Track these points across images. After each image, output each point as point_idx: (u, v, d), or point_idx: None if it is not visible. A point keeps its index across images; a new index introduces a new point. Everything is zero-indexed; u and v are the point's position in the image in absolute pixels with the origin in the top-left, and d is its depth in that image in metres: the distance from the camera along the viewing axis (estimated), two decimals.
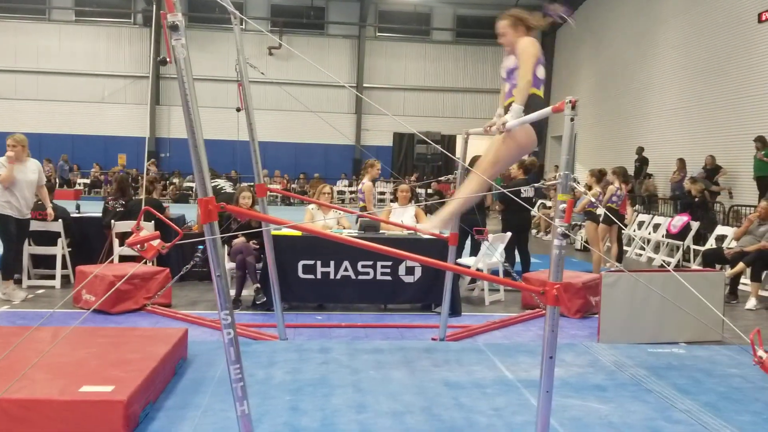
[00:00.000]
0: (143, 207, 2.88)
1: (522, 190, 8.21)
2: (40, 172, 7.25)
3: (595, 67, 21.70)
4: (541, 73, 4.17)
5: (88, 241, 8.21)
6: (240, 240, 7.07)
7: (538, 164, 9.71)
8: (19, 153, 6.91)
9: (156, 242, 2.72)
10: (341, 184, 25.33)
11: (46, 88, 25.32)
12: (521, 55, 4.07)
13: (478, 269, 7.25)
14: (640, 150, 16.79)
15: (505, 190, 4.86)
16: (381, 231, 7.11)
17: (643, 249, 11.89)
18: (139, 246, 2.73)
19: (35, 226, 7.63)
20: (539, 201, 16.92)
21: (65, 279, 7.81)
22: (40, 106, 25.19)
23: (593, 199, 8.47)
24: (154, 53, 24.88)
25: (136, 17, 25.74)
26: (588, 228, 9.03)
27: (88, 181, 24.49)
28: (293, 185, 24.54)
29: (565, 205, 3.11)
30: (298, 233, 6.49)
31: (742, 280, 8.21)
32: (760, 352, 2.40)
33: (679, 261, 10.62)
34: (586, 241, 9.55)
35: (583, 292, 6.83)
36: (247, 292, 7.13)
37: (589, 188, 9.20)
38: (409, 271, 6.74)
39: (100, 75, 25.63)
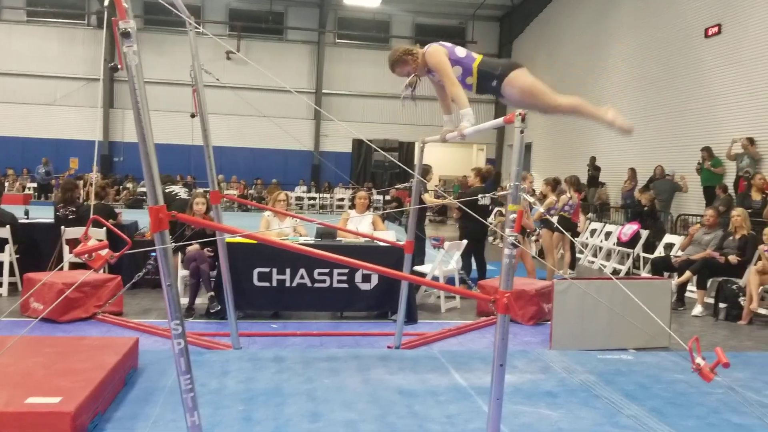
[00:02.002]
0: (92, 215, 2.83)
1: (479, 198, 8.32)
2: None
3: (549, 77, 22.04)
4: (460, 52, 4.20)
5: (37, 248, 7.99)
6: (194, 247, 6.98)
7: (494, 172, 9.85)
8: None
9: (104, 252, 2.68)
10: (299, 190, 25.23)
11: None
12: (436, 67, 4.17)
13: (434, 277, 7.32)
14: (593, 159, 17.17)
15: (455, 201, 4.93)
16: (338, 238, 7.11)
17: (595, 256, 12.15)
18: (86, 256, 2.68)
19: None
20: (495, 209, 17.15)
21: (12, 286, 7.59)
22: None
23: (543, 210, 8.63)
24: (106, 56, 24.49)
25: (90, 18, 25.21)
26: (543, 236, 9.20)
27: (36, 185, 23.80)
28: (250, 191, 24.32)
29: (515, 216, 3.17)
30: (253, 240, 6.44)
31: (689, 287, 8.45)
32: (699, 359, 2.49)
33: (629, 268, 10.88)
34: (541, 249, 9.71)
35: (536, 299, 6.95)
36: (201, 301, 7.03)
37: (545, 196, 9.38)
38: (366, 278, 6.75)
39: (52, 77, 24.99)
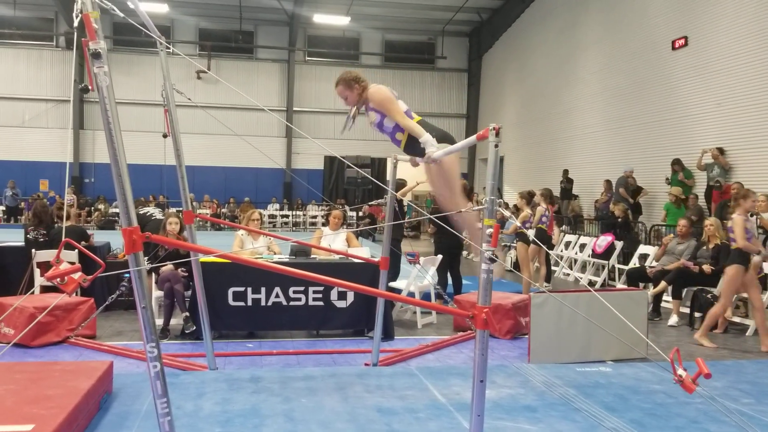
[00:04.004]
0: (63, 238, 2.78)
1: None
2: None
3: (520, 91, 22.40)
4: (402, 106, 4.38)
5: (7, 272, 7.83)
6: (168, 268, 6.89)
7: (468, 187, 9.90)
8: None
9: (77, 275, 2.63)
10: (272, 208, 25.10)
11: None
12: (381, 106, 4.33)
13: (410, 293, 7.31)
14: (566, 172, 17.38)
15: (428, 215, 4.95)
16: (312, 256, 7.08)
17: (571, 269, 12.26)
18: (59, 279, 2.62)
19: None
20: None
21: None
22: None
23: (519, 224, 8.68)
24: (76, 77, 24.22)
25: (59, 40, 24.93)
26: (519, 249, 9.25)
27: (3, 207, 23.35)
28: (223, 210, 24.14)
29: (491, 230, 3.18)
30: (227, 260, 6.38)
31: (664, 297, 8.56)
32: (680, 371, 2.51)
33: (604, 280, 10.99)
34: (516, 262, 9.77)
35: (512, 313, 6.97)
36: (176, 321, 6.93)
37: (519, 210, 9.44)
38: (342, 295, 6.72)
39: (20, 98, 24.61)
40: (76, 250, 7.31)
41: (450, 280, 8.58)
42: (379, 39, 26.85)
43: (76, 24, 2.65)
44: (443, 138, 4.28)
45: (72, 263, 2.82)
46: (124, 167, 2.84)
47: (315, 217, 24.69)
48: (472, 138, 3.44)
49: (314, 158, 26.31)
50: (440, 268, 8.08)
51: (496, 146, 3.20)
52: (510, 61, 23.21)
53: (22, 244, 8.14)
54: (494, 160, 3.22)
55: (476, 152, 25.56)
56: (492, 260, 3.23)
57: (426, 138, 4.12)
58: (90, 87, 2.76)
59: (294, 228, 24.24)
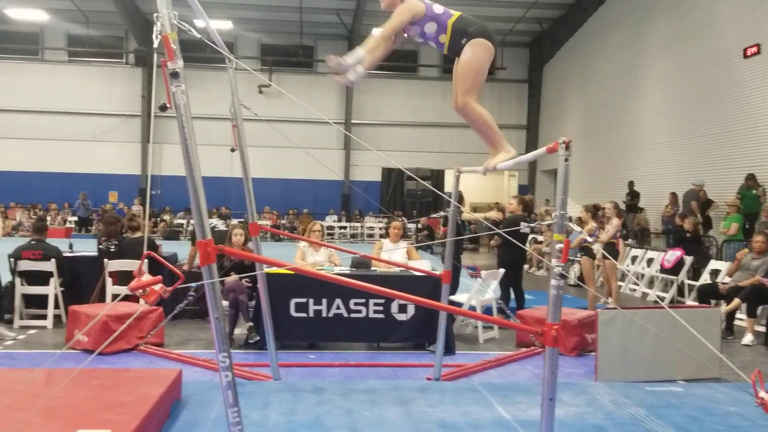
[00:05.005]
0: (144, 251, 2.87)
1: (521, 226, 8.21)
2: None
3: (582, 101, 22.01)
4: (438, 9, 3.92)
5: (80, 281, 8.13)
6: (232, 278, 7.04)
7: (530, 199, 9.76)
8: None
9: (158, 287, 2.71)
10: (330, 220, 25.34)
11: (38, 128, 25.29)
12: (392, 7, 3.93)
13: (471, 307, 7.24)
14: (631, 184, 16.94)
15: (498, 230, 4.89)
16: (372, 268, 7.10)
17: (637, 284, 11.91)
18: (141, 291, 2.72)
19: (28, 265, 7.58)
20: (530, 236, 17.00)
21: (57, 319, 7.67)
22: (32, 145, 25.13)
23: (588, 237, 8.48)
24: (146, 93, 25.11)
25: (128, 57, 25.91)
26: (583, 263, 9.04)
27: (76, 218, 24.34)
28: (282, 221, 24.53)
29: (561, 245, 3.12)
30: (290, 271, 6.46)
31: (738, 315, 8.21)
32: (762, 393, 2.40)
33: (673, 296, 10.64)
34: (580, 277, 9.55)
35: (578, 329, 6.81)
36: (239, 331, 7.07)
37: (583, 223, 9.24)
38: (402, 308, 6.71)
39: (92, 114, 25.66)
40: (148, 262, 7.56)
41: (512, 295, 8.46)
42: (437, 51, 26.81)
43: (155, 45, 2.74)
44: (481, 32, 3.87)
45: (148, 274, 2.91)
46: (199, 181, 2.92)
47: (372, 228, 24.80)
48: (542, 150, 3.39)
49: (372, 170, 26.48)
50: (502, 282, 7.98)
51: (567, 160, 3.15)
52: (572, 71, 22.85)
53: (94, 254, 8.43)
54: (564, 175, 3.17)
55: (536, 163, 25.20)
56: (562, 276, 3.18)
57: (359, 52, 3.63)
58: (168, 105, 2.85)
59: (352, 239, 24.40)
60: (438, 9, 3.94)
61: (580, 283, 8.62)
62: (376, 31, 3.95)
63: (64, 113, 25.36)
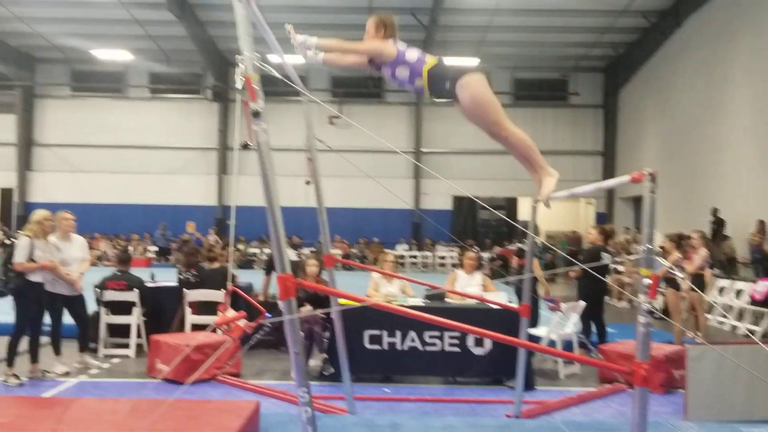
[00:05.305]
0: (229, 286, 2.91)
1: (602, 257, 7.95)
2: (84, 247, 7.35)
3: (661, 126, 21.31)
4: (412, 54, 4.01)
5: (162, 310, 8.36)
6: (308, 312, 7.08)
7: (609, 228, 9.46)
8: (70, 228, 7.15)
9: (242, 322, 2.75)
10: (401, 249, 25.30)
11: (121, 161, 26.54)
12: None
13: (551, 341, 7.02)
14: (715, 211, 16.20)
15: (582, 266, 4.74)
16: (446, 300, 7.01)
17: (726, 317, 11.30)
18: (225, 326, 2.76)
19: (112, 296, 7.87)
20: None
21: (139, 348, 7.89)
22: (115, 178, 26.35)
23: (673, 268, 8.12)
24: (222, 126, 26.00)
25: (206, 92, 26.93)
26: (669, 296, 8.65)
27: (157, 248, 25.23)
28: (353, 249, 24.69)
29: (649, 281, 3.00)
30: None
31: None
32: None
33: (766, 330, 10.03)
34: (665, 310, 9.12)
35: (665, 365, 6.48)
36: (313, 362, 7.08)
37: (666, 252, 8.87)
38: (479, 342, 6.57)
39: (171, 148, 26.73)
40: (223, 291, 7.74)
41: (594, 328, 8.16)
42: (508, 77, 26.68)
43: (239, 86, 2.81)
44: (462, 71, 3.90)
45: (232, 309, 2.94)
46: (279, 217, 2.96)
47: (444, 257, 24.61)
48: (625, 179, 3.29)
49: (442, 198, 26.39)
50: (583, 314, 7.71)
51: (653, 192, 3.05)
52: (650, 95, 22.21)
53: (174, 284, 8.68)
54: (650, 207, 3.07)
55: (615, 190, 24.50)
56: (650, 313, 3.05)
57: (311, 40, 3.85)
58: (249, 143, 2.92)
59: (423, 268, 24.27)
60: (412, 56, 4.02)
61: (664, 317, 8.26)
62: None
63: (145, 147, 26.51)
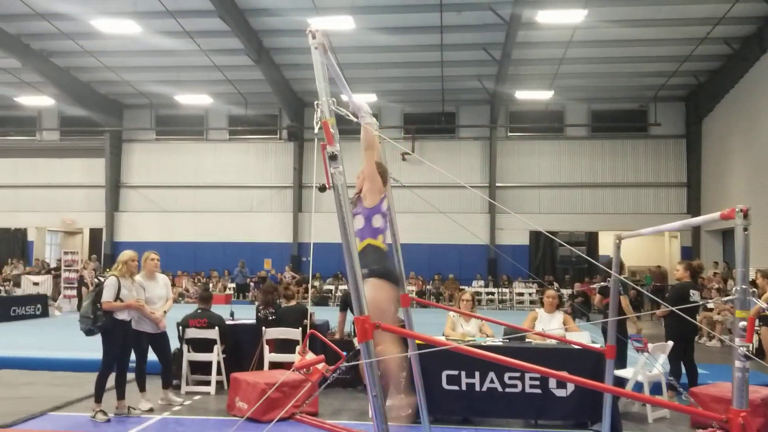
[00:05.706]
0: (308, 331, 2.93)
1: (691, 294, 7.58)
2: (167, 286, 7.60)
3: (749, 155, 20.35)
4: (379, 220, 4.31)
5: (241, 347, 8.50)
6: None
7: (696, 264, 9.02)
8: (155, 268, 7.41)
9: (321, 365, 2.75)
10: (476, 285, 24.95)
11: (201, 201, 27.60)
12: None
13: (637, 383, 6.71)
14: None
15: (671, 307, 4.53)
16: (527, 340, 6.83)
17: None
18: (305, 369, 2.76)
19: (194, 333, 8.08)
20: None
21: (219, 385, 8.05)
22: (196, 217, 27.38)
23: (763, 305, 7.66)
24: (297, 165, 26.61)
25: (282, 133, 27.73)
26: (763, 334, 8.14)
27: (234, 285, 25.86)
28: (428, 286, 24.54)
29: (745, 324, 2.84)
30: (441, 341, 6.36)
31: None
32: None
33: None
34: (759, 349, 8.58)
35: (762, 409, 6.07)
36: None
37: (757, 287, 8.38)
38: (561, 383, 6.35)
39: (249, 186, 27.57)
40: (300, 328, 7.83)
41: (683, 369, 7.74)
42: (584, 110, 26.24)
43: (316, 130, 2.87)
44: (382, 274, 4.17)
45: (311, 352, 2.95)
46: (356, 258, 2.95)
47: (522, 294, 24.10)
48: (714, 216, 3.16)
49: (519, 233, 25.93)
50: (671, 355, 7.33)
51: (746, 230, 2.91)
52: (735, 124, 21.31)
53: (253, 321, 8.83)
54: (744, 246, 2.93)
55: (702, 225, 23.45)
56: (747, 357, 2.88)
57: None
58: (327, 186, 2.95)
59: (500, 305, 23.82)
60: (379, 221, 4.38)
61: (758, 359, 7.77)
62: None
63: (224, 187, 27.49)
